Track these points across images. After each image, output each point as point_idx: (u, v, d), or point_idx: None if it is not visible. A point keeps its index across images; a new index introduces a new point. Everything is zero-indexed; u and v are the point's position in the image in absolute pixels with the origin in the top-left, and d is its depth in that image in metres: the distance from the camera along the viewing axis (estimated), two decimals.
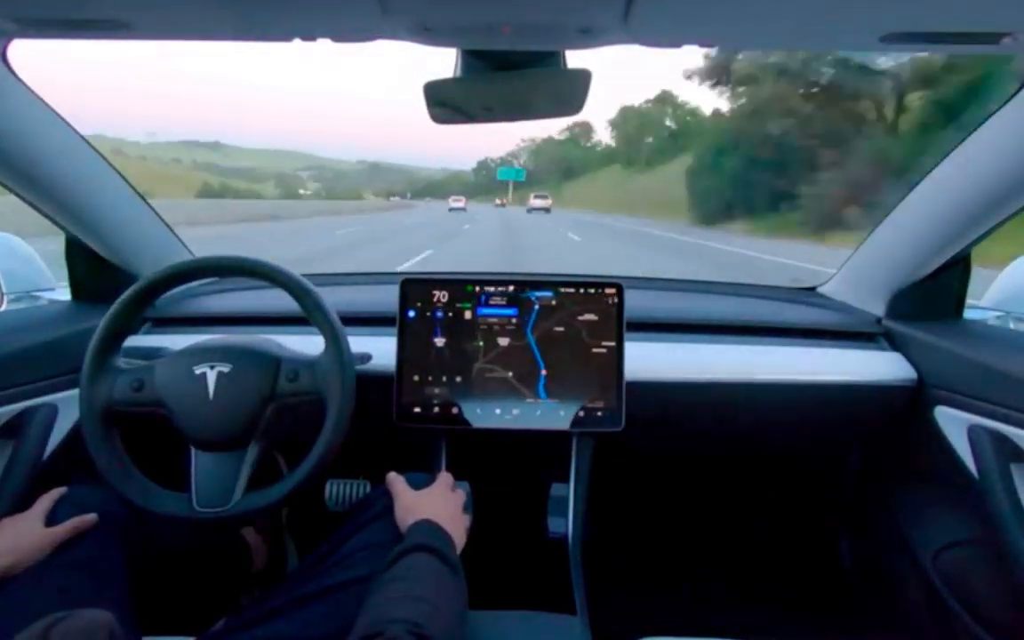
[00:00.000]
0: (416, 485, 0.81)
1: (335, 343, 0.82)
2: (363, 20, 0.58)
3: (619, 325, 0.99)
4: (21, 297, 1.13)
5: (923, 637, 1.05)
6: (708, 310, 1.20)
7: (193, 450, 0.83)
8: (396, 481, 0.81)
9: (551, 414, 0.97)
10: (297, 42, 0.62)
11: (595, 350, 0.98)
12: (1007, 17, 0.54)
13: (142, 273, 0.98)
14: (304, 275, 0.85)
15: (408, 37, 0.60)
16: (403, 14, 0.55)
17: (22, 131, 0.84)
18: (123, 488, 0.79)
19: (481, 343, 0.99)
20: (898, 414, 1.06)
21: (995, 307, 1.12)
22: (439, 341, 0.99)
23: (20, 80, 0.80)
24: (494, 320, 1.00)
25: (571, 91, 0.73)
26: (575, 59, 0.69)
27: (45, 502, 0.76)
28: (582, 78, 0.69)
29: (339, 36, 0.61)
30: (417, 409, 0.98)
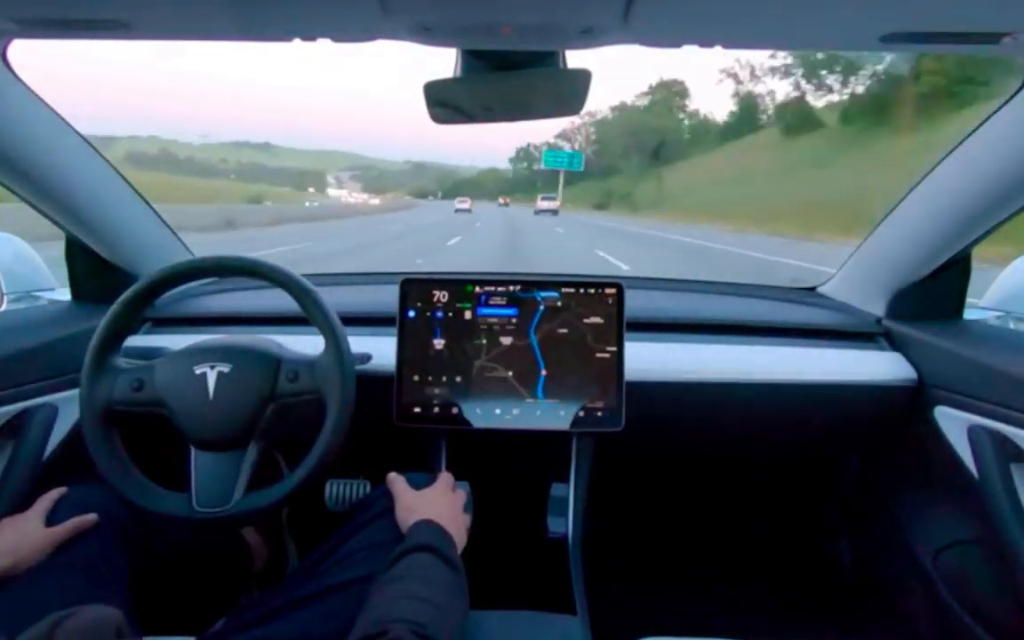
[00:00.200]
0: (416, 485, 0.81)
1: (335, 343, 0.82)
2: (363, 20, 0.58)
3: (619, 325, 0.99)
4: (21, 297, 1.13)
5: (923, 637, 1.05)
6: (708, 310, 1.20)
7: (193, 450, 0.83)
8: (396, 481, 0.81)
9: (551, 414, 0.97)
10: (297, 42, 0.62)
11: (595, 350, 0.98)
12: (1007, 17, 0.54)
13: (142, 273, 0.98)
14: (304, 275, 0.85)
15: (408, 37, 0.60)
16: (403, 14, 0.55)
17: (22, 131, 0.84)
18: (123, 488, 0.79)
19: (481, 343, 0.99)
20: (898, 414, 1.06)
21: (995, 307, 1.12)
22: (439, 341, 0.99)
23: (20, 80, 0.80)
24: (494, 320, 1.00)
25: (571, 91, 0.73)
26: (575, 59, 0.69)
27: (45, 502, 0.76)
28: (582, 78, 0.69)
29: (339, 36, 0.61)
30: (417, 409, 0.98)
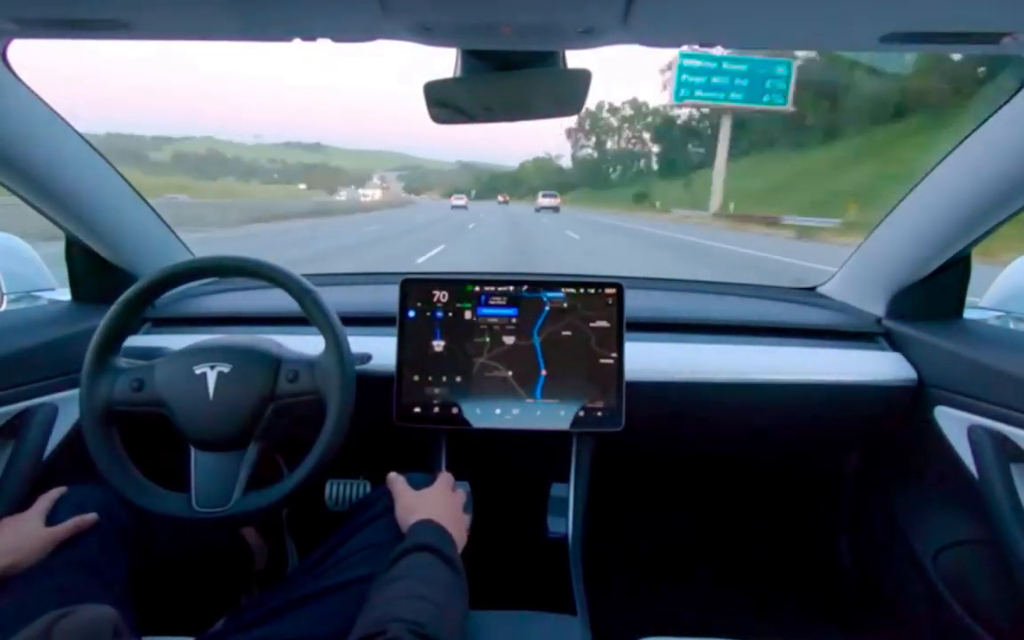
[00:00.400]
0: (416, 485, 0.81)
1: (335, 343, 0.82)
2: (363, 20, 0.58)
3: (619, 325, 0.99)
4: (21, 297, 1.13)
5: (923, 637, 1.05)
6: (708, 310, 1.20)
7: (193, 450, 0.83)
8: (396, 481, 0.81)
9: (551, 414, 0.97)
10: (297, 42, 0.62)
11: (595, 350, 0.98)
12: (1007, 17, 0.54)
13: (142, 273, 0.98)
14: (304, 275, 0.85)
15: (408, 37, 0.60)
16: (403, 14, 0.55)
17: (22, 131, 0.84)
18: (123, 488, 0.79)
19: (482, 343, 0.99)
20: (898, 414, 1.06)
21: (995, 307, 1.12)
22: (439, 341, 0.99)
23: (20, 80, 0.80)
24: (494, 320, 1.00)
25: (571, 91, 0.73)
26: (575, 59, 0.69)
27: (45, 502, 0.76)
28: (582, 78, 0.69)
29: (339, 36, 0.61)
30: (417, 409, 0.98)
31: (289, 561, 1.22)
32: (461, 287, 1.00)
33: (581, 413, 0.97)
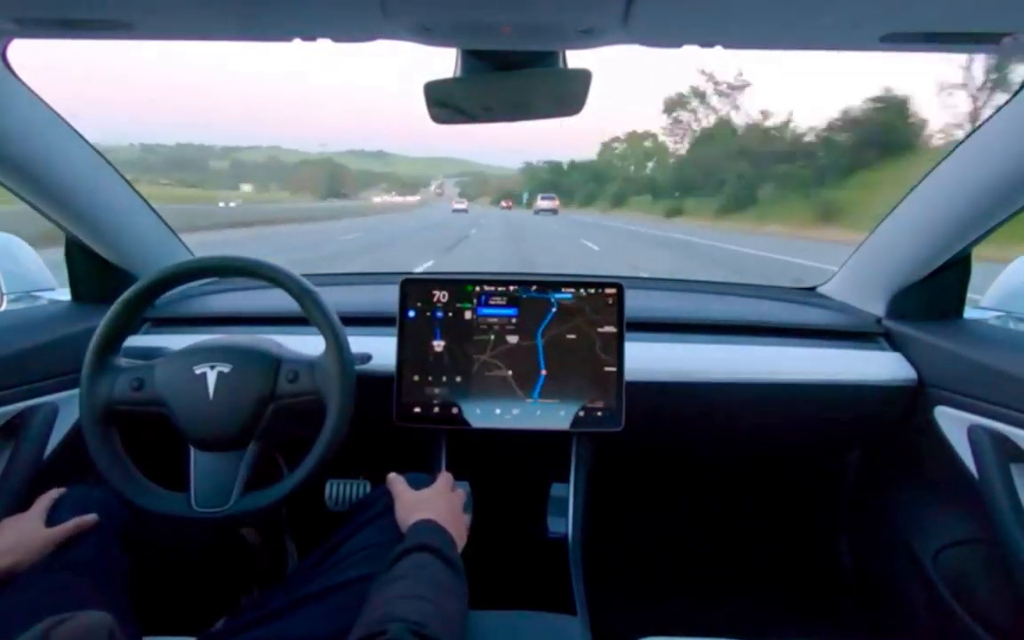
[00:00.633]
0: (416, 485, 0.81)
1: (335, 343, 0.82)
2: (363, 20, 0.58)
3: (619, 325, 0.99)
4: (21, 297, 1.13)
5: (923, 637, 1.05)
6: (708, 310, 1.20)
7: (192, 450, 0.83)
8: (396, 481, 0.81)
9: (551, 414, 0.97)
10: (297, 42, 0.62)
11: (595, 350, 0.98)
12: (1007, 17, 0.54)
13: (142, 273, 0.98)
14: (304, 275, 0.85)
15: (408, 37, 0.61)
16: (403, 14, 0.55)
17: (22, 131, 0.84)
18: (123, 487, 0.79)
19: (483, 342, 0.99)
20: (898, 414, 1.06)
21: (995, 307, 1.12)
22: (439, 341, 0.99)
23: (20, 80, 0.80)
24: (494, 320, 1.00)
25: (571, 91, 0.73)
26: (575, 59, 0.69)
27: (45, 502, 0.76)
28: (582, 78, 0.69)
29: (339, 36, 0.61)
30: (417, 409, 0.98)
31: (289, 561, 1.22)
32: (461, 287, 1.00)
33: (581, 413, 0.97)
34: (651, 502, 1.46)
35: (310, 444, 0.81)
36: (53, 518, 0.74)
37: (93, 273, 1.09)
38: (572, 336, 0.99)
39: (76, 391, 0.83)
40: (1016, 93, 0.78)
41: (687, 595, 1.34)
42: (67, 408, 0.95)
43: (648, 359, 1.05)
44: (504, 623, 0.77)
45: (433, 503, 0.76)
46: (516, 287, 1.00)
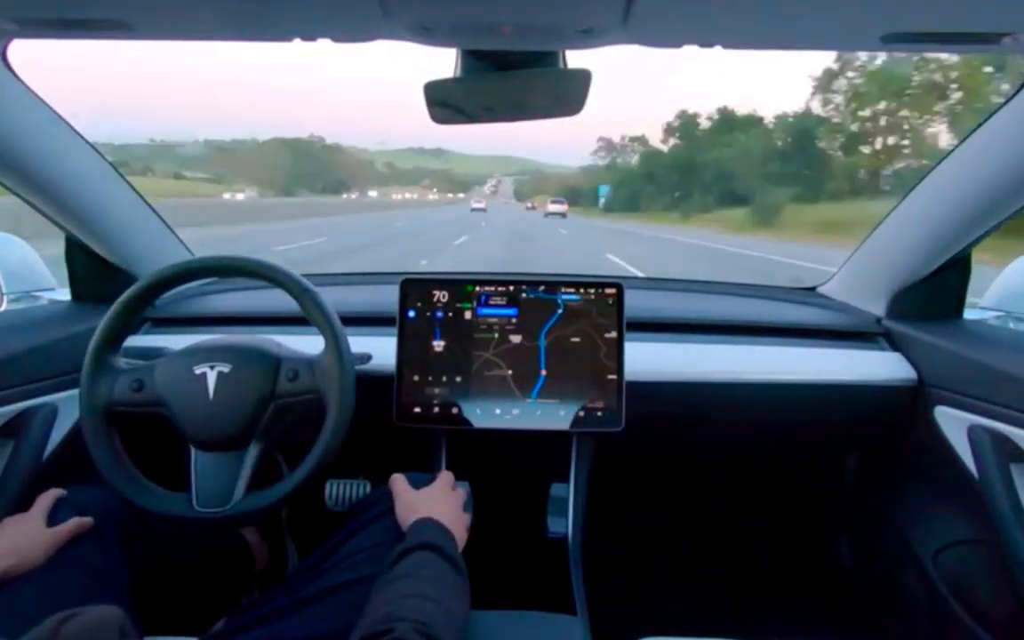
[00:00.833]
0: (416, 485, 0.81)
1: (335, 343, 0.82)
2: (363, 20, 0.58)
3: (619, 325, 0.99)
4: (21, 297, 1.13)
5: (923, 637, 1.05)
6: (708, 310, 1.20)
7: (193, 450, 0.83)
8: (397, 480, 0.81)
9: (551, 414, 0.97)
10: (297, 42, 0.62)
11: (593, 348, 0.98)
12: (1007, 17, 0.54)
13: (142, 273, 0.98)
14: (304, 275, 0.85)
15: (408, 37, 0.61)
16: (403, 14, 0.55)
17: (22, 131, 0.84)
18: (123, 488, 0.79)
19: (482, 342, 0.99)
20: (898, 414, 1.06)
21: (995, 307, 1.12)
22: (439, 341, 0.99)
23: (20, 80, 0.80)
24: (494, 320, 1.00)
25: (571, 91, 0.73)
26: (575, 59, 0.69)
27: (45, 502, 0.76)
28: (582, 78, 0.69)
29: (339, 36, 0.61)
30: (417, 409, 0.98)
31: (289, 561, 1.22)
32: (461, 287, 1.00)
33: (581, 413, 0.97)
34: (651, 502, 1.46)
35: (310, 444, 0.82)
36: (53, 519, 0.74)
37: (93, 273, 1.09)
38: (576, 339, 0.98)
39: (76, 391, 0.83)
40: (1016, 93, 0.78)
41: (687, 595, 1.34)
42: (67, 408, 0.95)
43: (648, 359, 1.05)
44: (504, 623, 0.77)
45: (433, 502, 0.76)
46: (516, 287, 1.00)
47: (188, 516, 0.80)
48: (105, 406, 0.80)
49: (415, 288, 1.00)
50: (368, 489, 1.18)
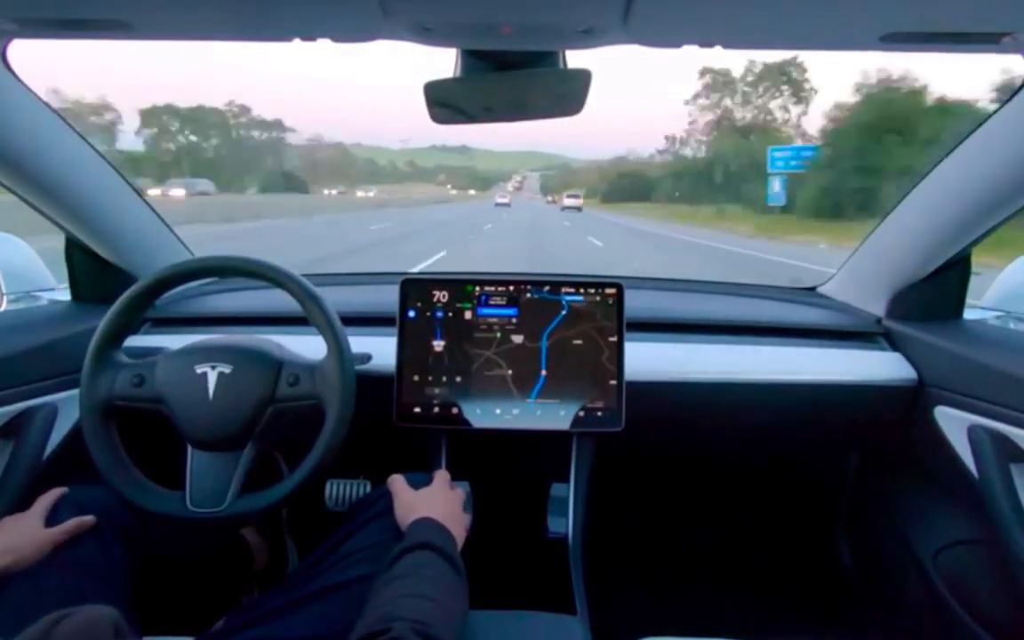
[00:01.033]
0: (416, 485, 0.81)
1: (336, 347, 0.81)
2: (363, 20, 0.58)
3: (619, 325, 0.99)
4: (21, 297, 1.13)
5: (923, 637, 1.05)
6: (708, 310, 1.20)
7: (190, 449, 0.83)
8: (396, 480, 0.81)
9: (551, 414, 0.97)
10: (297, 42, 0.62)
11: (595, 350, 0.98)
12: (1007, 17, 0.54)
13: (142, 273, 0.98)
14: (304, 275, 0.85)
15: (408, 37, 0.61)
16: (403, 14, 0.55)
17: (22, 131, 0.84)
18: (119, 484, 0.79)
19: (481, 343, 0.99)
20: (898, 414, 1.06)
21: (995, 307, 1.12)
22: (439, 341, 0.99)
23: (20, 80, 0.80)
24: (494, 320, 1.00)
25: (571, 91, 0.73)
26: (575, 59, 0.69)
27: (45, 502, 0.76)
28: (582, 78, 0.69)
29: (339, 36, 0.61)
30: (417, 409, 0.98)
31: (289, 561, 1.22)
32: (461, 287, 1.00)
33: (581, 413, 0.97)
34: (651, 502, 1.46)
35: (310, 444, 0.81)
36: (53, 518, 0.74)
37: (93, 273, 1.09)
38: (579, 341, 0.98)
39: (76, 391, 0.83)
40: (1016, 93, 0.78)
41: (687, 595, 1.34)
42: (67, 408, 0.95)
43: (648, 359, 1.05)
44: (504, 623, 0.77)
45: (432, 501, 0.76)
46: (516, 287, 1.00)
47: (182, 515, 0.80)
48: (105, 401, 0.80)
49: (415, 288, 1.00)
50: (368, 489, 1.18)
